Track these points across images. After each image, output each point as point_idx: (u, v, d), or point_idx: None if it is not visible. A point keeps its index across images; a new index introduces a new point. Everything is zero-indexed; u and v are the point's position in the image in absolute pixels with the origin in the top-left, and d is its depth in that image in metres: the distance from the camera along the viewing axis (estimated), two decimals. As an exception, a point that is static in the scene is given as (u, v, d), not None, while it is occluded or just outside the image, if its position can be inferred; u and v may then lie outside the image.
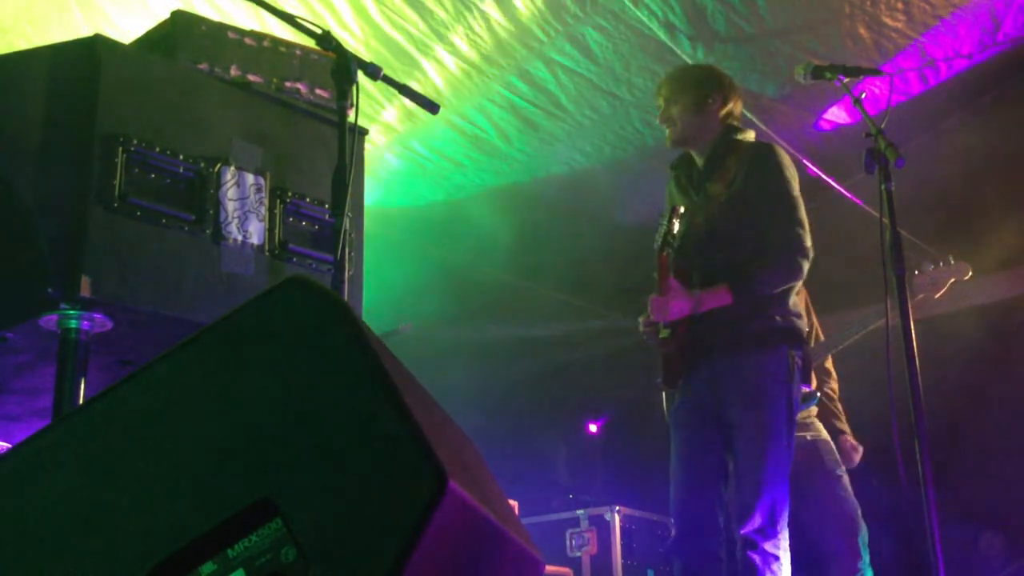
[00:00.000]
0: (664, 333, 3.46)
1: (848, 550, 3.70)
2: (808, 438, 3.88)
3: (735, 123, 3.63)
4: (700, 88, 3.60)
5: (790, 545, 3.36)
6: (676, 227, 3.49)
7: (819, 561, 3.68)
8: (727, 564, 3.31)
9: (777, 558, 3.21)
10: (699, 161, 3.63)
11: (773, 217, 3.42)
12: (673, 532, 3.44)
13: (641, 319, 3.56)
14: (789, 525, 3.46)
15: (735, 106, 3.64)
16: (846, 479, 4.01)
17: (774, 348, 3.36)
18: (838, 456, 4.05)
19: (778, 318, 3.40)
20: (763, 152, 3.52)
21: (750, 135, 3.63)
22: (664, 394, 3.61)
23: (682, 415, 3.50)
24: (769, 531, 3.21)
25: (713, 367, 3.41)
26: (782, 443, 3.29)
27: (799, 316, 3.47)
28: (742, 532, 3.21)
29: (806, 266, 3.39)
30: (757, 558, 3.18)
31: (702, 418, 3.44)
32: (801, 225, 3.42)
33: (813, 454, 3.85)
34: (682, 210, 3.51)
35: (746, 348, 3.36)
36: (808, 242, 3.42)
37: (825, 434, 4.04)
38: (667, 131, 3.63)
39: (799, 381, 3.38)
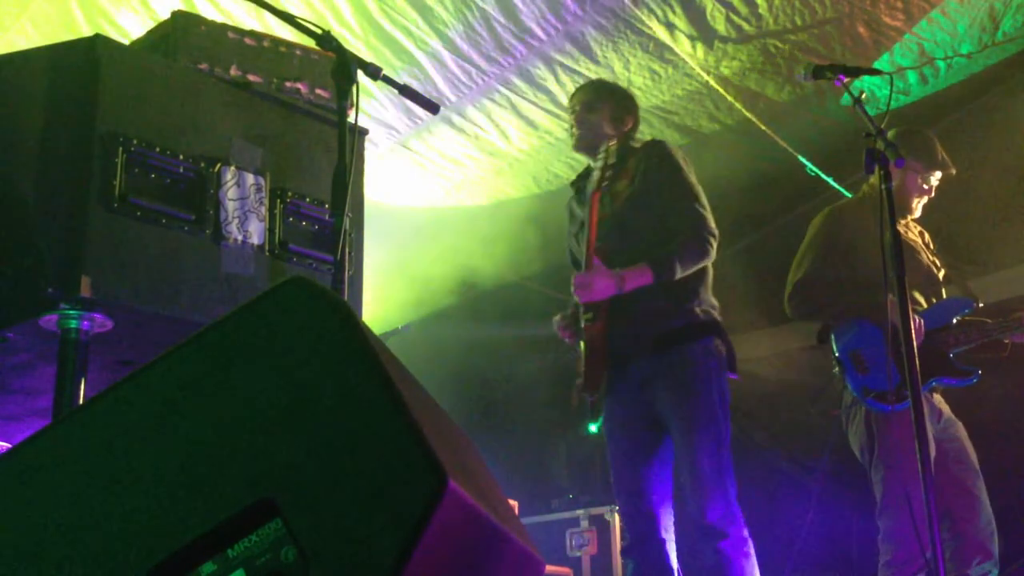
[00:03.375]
0: (587, 316, 3.49)
1: (987, 541, 3.73)
2: (952, 432, 3.87)
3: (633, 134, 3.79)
4: (621, 106, 3.77)
5: (941, 536, 3.41)
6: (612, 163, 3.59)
7: (962, 550, 3.71)
8: (693, 560, 3.33)
9: (745, 540, 3.26)
10: (597, 169, 3.70)
11: (676, 204, 3.53)
12: (627, 538, 3.49)
13: (556, 319, 3.63)
14: (945, 516, 3.59)
15: (636, 125, 3.82)
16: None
17: (699, 340, 3.44)
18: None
19: (699, 311, 3.49)
20: (656, 148, 3.65)
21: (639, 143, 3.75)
22: (589, 402, 3.62)
23: (615, 423, 3.55)
24: (729, 518, 3.24)
25: (642, 370, 3.46)
26: (721, 432, 3.34)
27: (715, 307, 3.56)
28: (706, 522, 3.23)
29: (715, 244, 3.50)
30: (727, 546, 3.21)
31: (636, 423, 3.50)
32: (704, 207, 3.55)
33: (961, 449, 3.86)
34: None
35: (672, 345, 3.43)
36: (712, 223, 3.53)
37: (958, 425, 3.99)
38: (576, 133, 3.74)
39: (726, 370, 3.45)
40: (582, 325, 3.51)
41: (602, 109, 3.71)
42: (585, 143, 3.73)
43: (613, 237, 3.54)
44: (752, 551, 3.26)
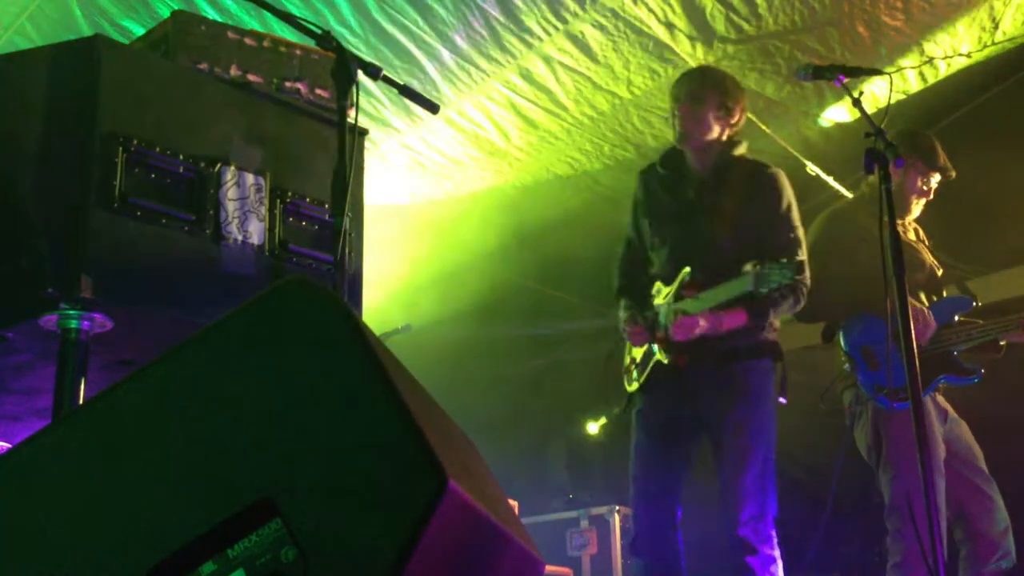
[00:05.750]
0: (667, 354, 3.47)
1: (1002, 539, 3.73)
2: (957, 432, 3.88)
3: (737, 136, 3.66)
4: (729, 95, 3.58)
5: (957, 537, 3.55)
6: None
7: (977, 549, 3.72)
8: (723, 569, 3.34)
9: (774, 559, 3.24)
10: (695, 165, 3.61)
11: (781, 246, 3.43)
12: (634, 533, 3.50)
13: (627, 318, 3.57)
14: (958, 517, 3.62)
15: (743, 117, 3.66)
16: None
17: (761, 360, 3.44)
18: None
19: (764, 333, 3.48)
20: (770, 177, 3.55)
21: (743, 148, 3.65)
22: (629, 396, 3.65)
23: (652, 421, 3.54)
24: (761, 535, 3.24)
25: (696, 378, 3.44)
26: (768, 451, 3.34)
27: (777, 329, 3.55)
28: (738, 534, 3.23)
29: (807, 293, 3.49)
30: (754, 562, 3.20)
31: (676, 428, 3.49)
32: (806, 256, 3.50)
33: (968, 448, 3.86)
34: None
35: (734, 361, 3.42)
36: (809, 277, 3.49)
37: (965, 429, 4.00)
38: (680, 125, 3.56)
39: (780, 393, 3.47)
40: (656, 355, 3.49)
41: (708, 99, 3.53)
42: (688, 136, 3.55)
43: (705, 255, 3.47)
44: (777, 571, 3.25)
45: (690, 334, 3.36)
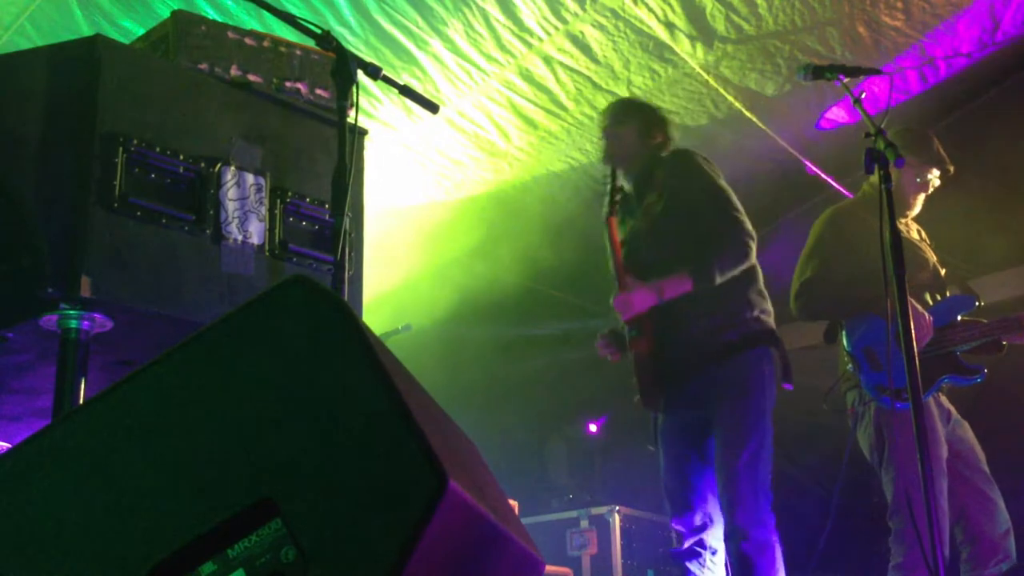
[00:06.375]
0: (632, 334, 3.52)
1: (1003, 541, 3.73)
2: (960, 434, 3.88)
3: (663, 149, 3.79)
4: (648, 121, 3.78)
5: (958, 539, 3.57)
6: (621, 186, 3.74)
7: (978, 552, 3.72)
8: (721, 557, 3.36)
9: (771, 544, 3.25)
10: (628, 182, 3.77)
11: (710, 210, 3.52)
12: (676, 541, 3.52)
13: (598, 342, 3.72)
14: (959, 519, 3.63)
15: (668, 142, 3.79)
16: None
17: (754, 350, 3.45)
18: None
19: (752, 320, 3.48)
20: (680, 157, 3.67)
21: (668, 150, 3.76)
22: (652, 419, 3.68)
23: (669, 433, 3.58)
24: (755, 520, 3.26)
25: (696, 384, 3.47)
26: (764, 438, 3.35)
27: (769, 312, 3.55)
28: (733, 522, 3.26)
29: (753, 247, 3.49)
30: (748, 548, 3.22)
31: (691, 435, 3.52)
32: (738, 210, 3.54)
33: (970, 450, 3.86)
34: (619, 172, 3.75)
35: (727, 357, 3.43)
36: (749, 225, 3.52)
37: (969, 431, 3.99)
38: (605, 145, 3.78)
39: (780, 380, 3.47)
40: (627, 341, 3.55)
41: (630, 122, 3.74)
42: (612, 155, 3.76)
43: (648, 251, 3.56)
44: (776, 556, 3.26)
45: (630, 309, 3.46)
